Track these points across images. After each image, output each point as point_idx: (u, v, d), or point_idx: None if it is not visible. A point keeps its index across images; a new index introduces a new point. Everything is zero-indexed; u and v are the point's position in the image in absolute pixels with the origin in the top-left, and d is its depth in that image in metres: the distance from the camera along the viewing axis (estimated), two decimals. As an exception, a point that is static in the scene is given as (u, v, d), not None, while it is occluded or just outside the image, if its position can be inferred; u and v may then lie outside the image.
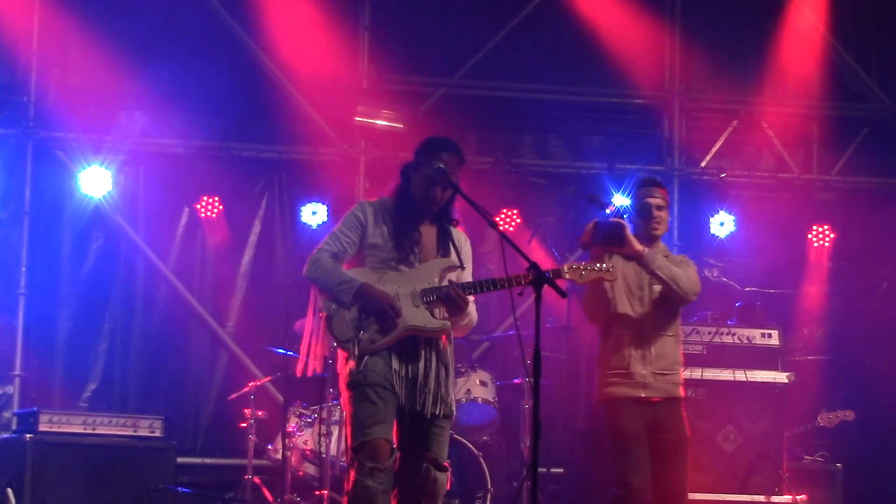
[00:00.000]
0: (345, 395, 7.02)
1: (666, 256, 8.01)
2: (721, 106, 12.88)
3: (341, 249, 7.06)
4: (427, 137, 7.37)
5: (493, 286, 7.19)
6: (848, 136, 12.94)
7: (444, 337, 7.16)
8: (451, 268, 7.20)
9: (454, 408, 7.16)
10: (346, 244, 7.07)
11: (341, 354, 7.06)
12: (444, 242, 7.21)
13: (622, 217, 7.99)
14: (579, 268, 7.43)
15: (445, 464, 7.06)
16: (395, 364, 6.98)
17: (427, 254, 7.16)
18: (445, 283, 7.11)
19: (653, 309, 7.92)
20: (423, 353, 7.06)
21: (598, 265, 7.50)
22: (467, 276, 7.31)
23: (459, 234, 7.33)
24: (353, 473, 6.86)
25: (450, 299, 7.03)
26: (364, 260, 7.10)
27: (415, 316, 7.00)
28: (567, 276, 7.39)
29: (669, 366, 7.92)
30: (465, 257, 7.30)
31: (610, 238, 7.81)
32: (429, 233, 7.20)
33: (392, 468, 6.88)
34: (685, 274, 7.92)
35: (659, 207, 8.06)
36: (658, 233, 8.05)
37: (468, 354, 11.25)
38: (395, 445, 6.92)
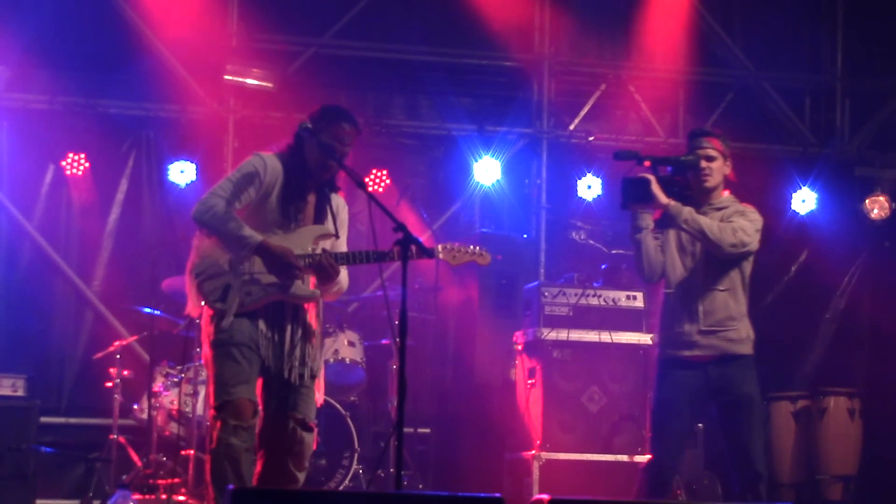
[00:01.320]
0: (208, 354, 7.02)
1: (723, 208, 7.75)
2: (590, 69, 12.98)
3: (236, 200, 7.00)
4: (325, 105, 7.36)
5: (364, 259, 7.27)
6: (713, 101, 13.12)
7: (313, 304, 7.19)
8: (326, 235, 7.24)
9: (320, 370, 7.20)
10: (242, 195, 7.02)
11: (206, 312, 7.05)
12: (323, 209, 7.24)
13: (669, 170, 7.78)
14: (453, 248, 7.51)
15: (311, 424, 7.10)
16: (262, 327, 7.00)
17: (306, 219, 7.18)
18: (319, 250, 7.13)
19: (703, 264, 7.68)
20: (290, 318, 7.10)
21: (472, 248, 7.55)
22: (342, 243, 7.36)
23: (339, 200, 7.37)
24: (215, 432, 6.88)
25: (321, 268, 7.08)
26: (246, 216, 7.05)
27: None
28: (441, 256, 7.50)
29: (721, 321, 7.66)
30: (340, 224, 7.34)
31: (633, 195, 7.67)
32: (311, 198, 7.22)
33: (255, 427, 6.93)
34: (720, 225, 7.60)
35: (709, 158, 7.77)
36: (708, 184, 7.77)
37: (336, 314, 11.26)
38: (258, 405, 6.95)
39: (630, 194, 7.69)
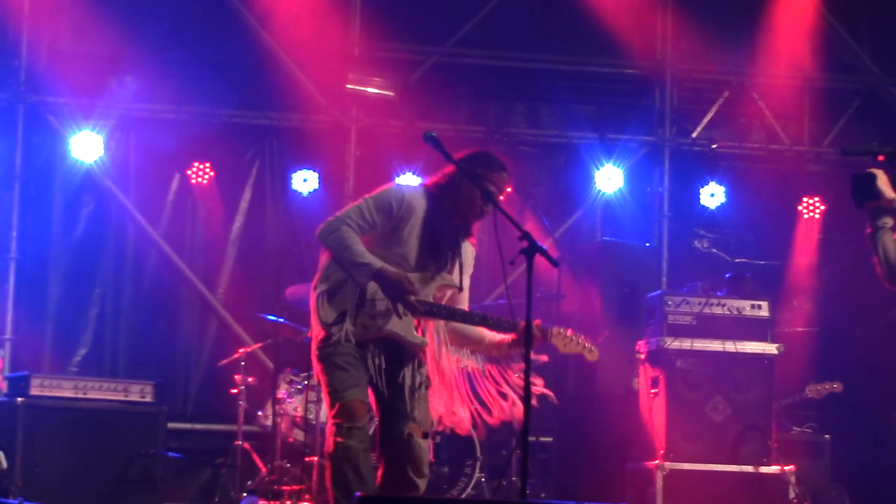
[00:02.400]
0: (317, 368, 6.99)
1: None
2: (713, 77, 12.88)
3: (363, 227, 6.91)
4: (483, 150, 7.19)
5: (480, 321, 7.17)
6: (839, 108, 12.94)
7: (430, 354, 7.10)
8: (449, 287, 7.12)
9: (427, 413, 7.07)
10: (370, 224, 6.91)
11: (319, 332, 6.96)
12: (453, 257, 7.11)
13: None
14: (566, 336, 7.36)
15: (427, 431, 7.03)
16: (370, 355, 6.93)
17: (434, 265, 7.04)
18: (438, 300, 7.05)
19: None
20: (404, 358, 7.03)
21: (585, 342, 7.39)
22: (464, 297, 7.24)
23: (468, 248, 7.25)
24: (331, 438, 6.86)
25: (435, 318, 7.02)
26: (375, 244, 6.95)
27: (397, 323, 6.94)
28: (552, 339, 7.35)
29: None
30: (465, 271, 7.21)
31: (859, 191, 7.14)
32: (444, 243, 7.09)
33: (368, 427, 6.90)
34: None
35: None
36: None
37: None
38: (370, 407, 6.93)
39: (856, 191, 7.23)
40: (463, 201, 7.03)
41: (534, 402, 7.00)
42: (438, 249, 7.03)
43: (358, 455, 6.80)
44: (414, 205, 6.96)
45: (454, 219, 7.06)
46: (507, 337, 7.20)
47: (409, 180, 11.98)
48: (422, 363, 7.10)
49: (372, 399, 7.02)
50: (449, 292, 7.14)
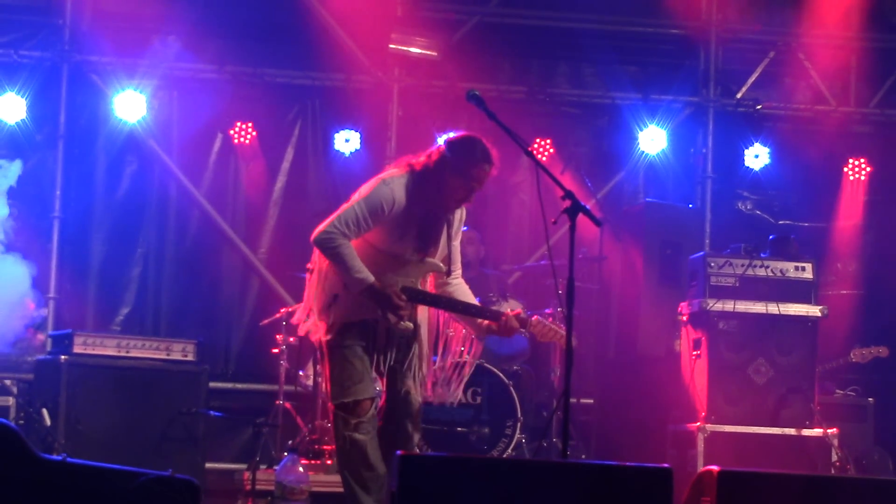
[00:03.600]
0: (323, 351, 7.24)
1: None
2: (758, 37, 12.75)
3: (357, 232, 7.09)
4: (469, 138, 7.27)
5: (465, 310, 7.42)
6: (886, 69, 12.80)
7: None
8: (436, 271, 7.35)
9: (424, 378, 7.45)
10: (363, 229, 7.09)
11: (315, 319, 7.25)
12: (438, 237, 7.28)
13: None
14: (545, 325, 7.52)
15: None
16: (371, 334, 7.19)
17: (421, 249, 7.24)
18: (426, 286, 7.32)
19: None
20: (399, 339, 7.28)
21: (560, 329, 7.53)
22: (455, 258, 7.44)
23: (458, 213, 7.41)
24: (336, 426, 7.18)
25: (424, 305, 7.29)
26: (362, 239, 7.14)
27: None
28: (532, 327, 7.50)
29: None
30: (455, 237, 7.41)
31: None
32: (439, 226, 7.30)
33: (374, 417, 7.21)
34: None
35: None
36: None
37: (500, 284, 11.26)
38: (375, 398, 7.22)
39: None
40: (444, 190, 7.16)
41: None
42: (424, 234, 7.20)
43: (366, 446, 7.10)
44: (401, 199, 7.10)
45: (435, 205, 7.20)
46: (489, 323, 7.41)
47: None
48: (420, 338, 7.36)
49: None
50: (440, 276, 7.39)
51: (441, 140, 7.20)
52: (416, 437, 7.38)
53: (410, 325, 7.23)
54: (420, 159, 7.23)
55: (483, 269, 11.51)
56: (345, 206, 7.15)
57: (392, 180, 7.15)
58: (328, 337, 7.17)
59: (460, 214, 7.44)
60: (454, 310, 7.43)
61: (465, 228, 11.22)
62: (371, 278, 7.05)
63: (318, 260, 7.28)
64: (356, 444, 7.08)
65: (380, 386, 7.39)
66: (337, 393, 7.18)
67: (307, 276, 7.37)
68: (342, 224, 7.06)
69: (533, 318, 7.54)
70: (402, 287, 7.15)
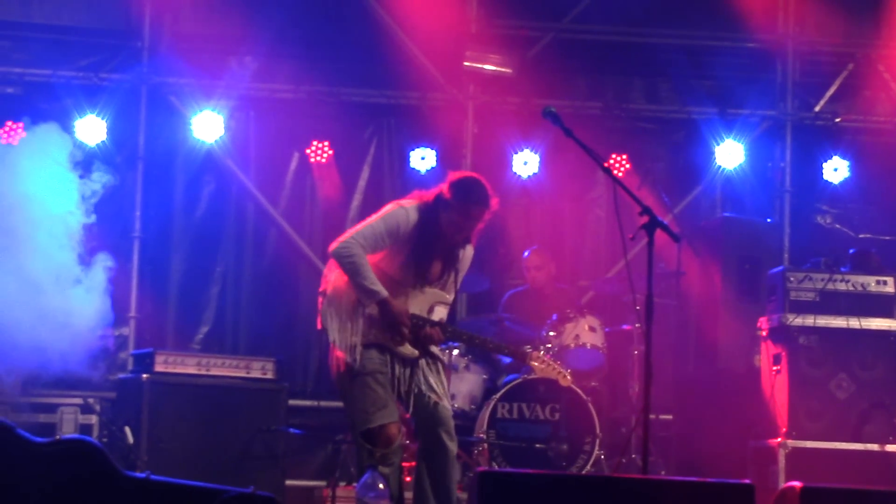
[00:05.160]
0: (343, 380, 7.47)
1: None
2: (836, 49, 12.63)
3: (373, 249, 7.36)
4: (468, 179, 7.58)
5: (475, 342, 8.02)
6: (967, 79, 12.65)
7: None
8: (443, 303, 7.60)
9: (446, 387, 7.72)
10: (379, 248, 7.38)
11: (334, 347, 7.48)
12: (447, 271, 7.59)
13: None
14: (545, 360, 7.99)
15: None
16: (389, 358, 7.45)
17: (429, 279, 7.55)
18: (435, 316, 7.54)
19: None
20: (414, 364, 7.53)
21: (561, 368, 8.07)
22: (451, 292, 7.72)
23: (466, 252, 7.68)
24: (359, 457, 7.46)
25: (428, 338, 7.48)
26: (375, 262, 7.40)
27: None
28: (533, 361, 7.94)
29: None
30: (460, 274, 7.70)
31: None
32: (437, 259, 7.55)
33: (401, 447, 7.49)
34: None
35: None
36: None
37: (577, 300, 11.24)
38: (400, 425, 7.48)
39: None
40: (443, 226, 7.45)
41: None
42: (433, 265, 7.50)
43: (390, 479, 7.32)
44: (414, 225, 7.41)
45: (438, 239, 7.48)
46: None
47: (526, 157, 12.00)
48: (430, 368, 7.58)
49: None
50: (444, 309, 7.64)
51: (448, 179, 7.54)
52: (454, 447, 7.58)
53: (416, 351, 7.47)
54: (428, 194, 7.56)
55: (558, 284, 11.50)
56: (362, 224, 7.46)
57: (408, 205, 7.48)
58: (347, 367, 7.39)
59: (465, 254, 7.68)
60: (486, 348, 8.21)
61: (527, 253, 11.30)
62: (385, 292, 7.31)
63: (332, 280, 7.52)
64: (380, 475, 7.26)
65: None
66: (361, 420, 7.40)
67: (319, 300, 7.60)
68: (359, 237, 7.35)
69: (532, 353, 8.00)
70: (411, 314, 7.42)
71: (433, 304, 7.58)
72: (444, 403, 7.56)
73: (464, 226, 7.47)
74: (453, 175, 7.57)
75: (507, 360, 11.08)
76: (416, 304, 7.50)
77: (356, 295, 7.38)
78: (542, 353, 8.15)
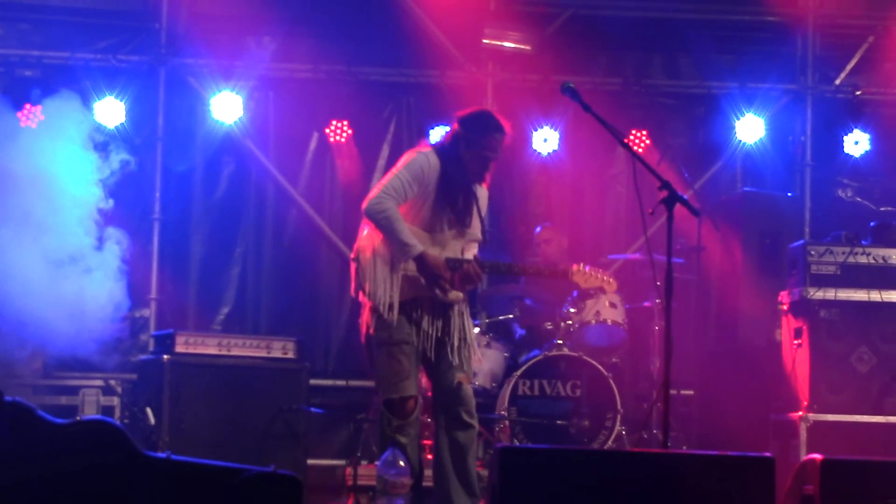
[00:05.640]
0: (373, 347, 7.62)
1: None
2: (857, 22, 12.52)
3: (402, 200, 7.46)
4: (479, 111, 7.87)
5: (507, 270, 8.26)
6: None
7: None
8: (475, 241, 7.73)
9: (470, 362, 7.81)
10: (407, 197, 7.47)
11: (366, 302, 7.60)
12: (472, 210, 7.68)
13: None
14: (585, 272, 8.06)
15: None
16: (416, 318, 7.59)
17: (456, 222, 7.64)
18: (469, 255, 7.65)
19: None
20: (450, 314, 7.66)
21: (604, 275, 8.15)
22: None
23: (482, 192, 7.79)
24: (381, 423, 7.62)
25: (468, 277, 7.57)
26: (404, 212, 7.49)
27: None
28: (573, 277, 8.04)
29: None
30: (483, 211, 7.82)
31: None
32: (461, 199, 7.64)
33: (418, 418, 7.65)
34: None
35: None
36: None
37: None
38: (419, 398, 7.65)
39: None
40: (465, 164, 7.57)
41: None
42: (459, 206, 7.59)
43: (405, 449, 7.40)
44: (435, 168, 7.52)
45: (461, 178, 7.59)
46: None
47: (546, 134, 11.96)
48: (463, 314, 7.73)
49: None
50: (475, 246, 7.75)
51: (456, 117, 7.73)
52: (475, 426, 7.71)
53: (460, 294, 7.60)
54: (441, 139, 7.78)
55: (572, 260, 11.47)
56: (387, 177, 7.55)
57: (425, 150, 7.63)
58: (374, 329, 7.52)
59: (482, 193, 7.78)
60: (525, 273, 8.33)
61: (539, 229, 11.28)
62: (421, 247, 7.42)
63: (362, 245, 7.60)
64: (397, 446, 7.32)
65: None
66: (384, 389, 7.59)
67: (352, 265, 7.70)
68: (389, 190, 7.44)
69: (572, 268, 8.03)
70: (446, 259, 7.52)
71: (465, 244, 7.68)
72: (467, 386, 7.69)
73: (488, 157, 7.60)
74: (461, 113, 7.74)
75: (521, 332, 11.10)
76: (450, 247, 7.61)
77: (391, 252, 7.47)
78: (581, 266, 8.12)
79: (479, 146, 7.56)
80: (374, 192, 7.51)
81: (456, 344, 7.64)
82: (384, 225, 7.42)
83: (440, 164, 7.54)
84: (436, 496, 7.79)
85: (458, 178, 7.56)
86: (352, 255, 7.74)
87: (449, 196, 7.55)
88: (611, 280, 8.22)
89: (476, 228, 7.73)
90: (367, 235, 7.62)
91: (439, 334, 7.63)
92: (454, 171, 7.54)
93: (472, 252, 7.73)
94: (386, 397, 7.59)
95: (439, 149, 7.64)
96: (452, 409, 7.65)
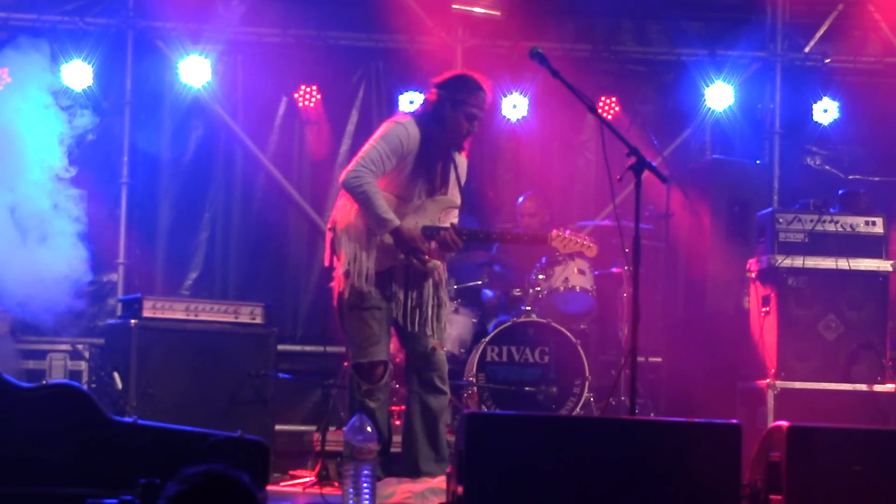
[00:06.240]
0: (344, 311, 7.68)
1: None
2: (826, -11, 12.56)
3: (381, 172, 7.52)
4: (459, 73, 7.92)
5: (485, 237, 8.51)
6: (959, 18, 12.57)
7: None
8: (452, 207, 7.75)
9: (444, 330, 7.92)
10: (386, 168, 7.53)
11: (340, 269, 7.63)
12: (449, 176, 7.72)
13: None
14: (564, 237, 8.12)
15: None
16: (391, 287, 7.65)
17: (434, 189, 7.72)
18: (447, 222, 7.67)
19: None
20: (423, 282, 7.72)
21: (583, 240, 8.23)
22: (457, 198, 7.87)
23: (461, 160, 7.83)
24: (351, 387, 7.71)
25: (445, 244, 7.62)
26: (385, 181, 7.56)
27: None
28: (552, 243, 8.12)
29: None
30: (461, 183, 7.84)
31: None
32: (439, 166, 7.72)
33: (388, 384, 7.69)
34: None
35: None
36: None
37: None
38: (389, 363, 7.72)
39: None
40: (449, 127, 7.61)
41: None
42: (437, 173, 7.65)
43: (374, 413, 7.47)
44: (414, 138, 7.55)
45: (444, 142, 7.63)
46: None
47: (515, 100, 11.91)
48: (440, 284, 7.79)
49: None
50: (454, 213, 7.78)
51: (432, 83, 7.77)
52: (447, 392, 7.82)
53: (438, 262, 7.66)
54: (418, 106, 7.85)
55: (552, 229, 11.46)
56: (365, 149, 7.58)
57: (404, 120, 7.63)
58: (348, 296, 7.55)
59: (463, 162, 7.85)
60: (503, 241, 8.54)
61: (522, 199, 11.25)
62: (398, 221, 7.46)
63: (338, 216, 7.64)
64: (366, 410, 7.38)
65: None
66: (354, 353, 7.66)
67: (328, 235, 7.75)
68: (367, 162, 7.49)
69: (552, 233, 8.10)
70: (423, 227, 7.57)
71: (443, 211, 7.72)
72: (440, 351, 7.77)
73: (475, 114, 7.63)
74: (440, 78, 7.75)
75: (490, 298, 11.09)
76: (427, 214, 7.65)
77: (368, 224, 7.51)
78: (561, 230, 8.23)
79: (466, 104, 7.59)
80: (352, 164, 7.54)
81: (430, 313, 7.69)
82: (361, 199, 7.46)
83: (420, 132, 7.57)
84: (404, 461, 7.81)
85: (440, 144, 7.60)
86: (328, 225, 7.76)
87: (428, 164, 7.59)
88: (591, 245, 8.32)
89: (455, 196, 7.75)
90: (343, 205, 7.64)
91: (414, 304, 7.67)
92: (437, 137, 7.58)
93: (450, 219, 7.75)
94: (355, 361, 7.65)
95: (419, 117, 7.66)
96: (425, 374, 7.72)
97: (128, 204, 11.85)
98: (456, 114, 7.60)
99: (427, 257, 7.58)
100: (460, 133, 7.65)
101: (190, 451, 5.44)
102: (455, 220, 7.78)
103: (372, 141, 7.60)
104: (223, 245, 12.07)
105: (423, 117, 7.66)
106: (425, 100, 7.78)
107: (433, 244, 7.63)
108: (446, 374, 7.82)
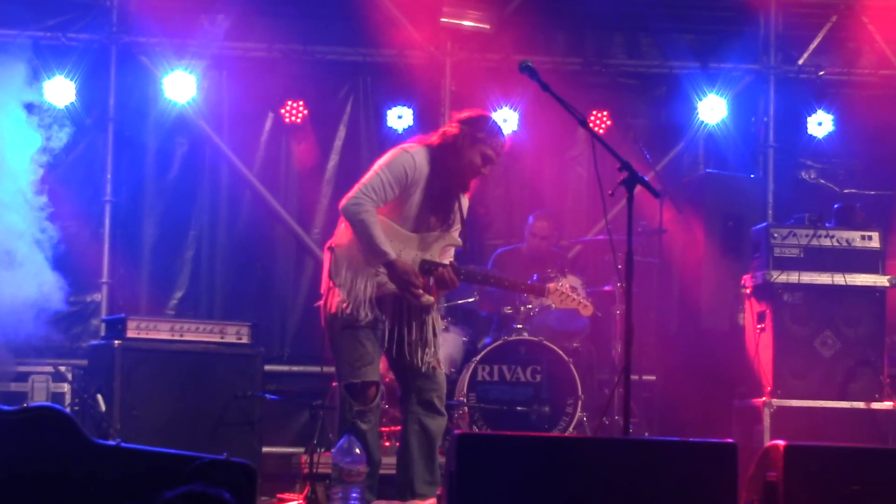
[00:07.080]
0: (335, 331, 7.52)
1: None
2: (819, 0, 12.45)
3: (383, 200, 7.36)
4: (484, 114, 7.69)
5: (491, 282, 8.27)
6: (954, 31, 12.48)
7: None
8: (452, 245, 7.65)
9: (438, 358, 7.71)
10: (388, 197, 7.37)
11: (334, 292, 7.51)
12: (455, 214, 7.60)
13: None
14: (563, 293, 8.07)
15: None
16: (382, 315, 7.51)
17: (437, 224, 7.57)
18: (446, 259, 7.58)
19: None
20: (411, 313, 7.58)
21: (581, 298, 8.24)
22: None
23: (464, 201, 7.70)
24: (342, 408, 7.55)
25: (442, 281, 7.49)
26: (388, 215, 7.43)
27: None
28: (548, 296, 8.07)
29: None
30: (464, 220, 7.74)
31: None
32: (448, 200, 7.58)
33: (379, 406, 7.57)
34: None
35: None
36: None
37: (558, 260, 11.09)
38: (381, 385, 7.61)
39: None
40: (464, 163, 7.47)
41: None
42: (442, 209, 7.51)
43: (365, 436, 7.37)
44: (422, 169, 7.41)
45: (455, 178, 7.50)
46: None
47: (505, 115, 11.78)
48: (436, 318, 7.70)
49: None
50: (453, 251, 7.69)
51: (456, 118, 7.62)
52: (445, 416, 7.70)
53: (431, 298, 7.51)
54: (434, 137, 7.56)
55: (551, 247, 11.34)
56: (368, 175, 7.41)
57: (413, 149, 7.46)
58: (340, 315, 7.42)
59: (465, 203, 7.72)
60: (501, 286, 8.24)
61: (532, 219, 11.14)
62: (394, 254, 7.32)
63: (341, 239, 7.51)
64: (357, 432, 7.30)
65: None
66: (346, 373, 7.48)
67: (327, 254, 7.62)
68: (368, 191, 7.33)
69: (549, 286, 8.06)
70: (421, 261, 7.46)
71: (444, 248, 7.60)
72: (440, 369, 7.65)
73: (491, 157, 7.53)
74: (466, 114, 7.61)
75: (481, 316, 10.99)
76: (428, 248, 7.52)
77: (365, 253, 7.40)
78: (560, 284, 8.25)
79: (485, 144, 7.47)
80: (354, 190, 7.40)
81: (428, 329, 7.60)
82: (359, 228, 7.34)
83: (429, 164, 7.43)
84: (398, 482, 7.68)
85: (450, 179, 7.48)
86: (328, 244, 7.64)
87: (434, 197, 7.45)
88: (587, 304, 8.27)
89: (457, 232, 7.65)
90: (346, 228, 7.51)
91: (406, 332, 7.55)
92: (448, 171, 7.45)
93: (448, 257, 7.65)
94: (347, 381, 7.49)
95: (434, 149, 7.51)
96: (426, 393, 7.60)
97: (111, 222, 11.72)
98: (473, 152, 7.47)
99: (421, 292, 7.44)
100: (472, 172, 7.54)
101: (175, 474, 5.33)
102: (452, 258, 7.67)
103: (376, 167, 7.45)
104: (209, 263, 11.95)
105: (439, 150, 7.50)
106: (444, 132, 7.57)
107: (430, 280, 7.50)
108: (445, 395, 7.70)
